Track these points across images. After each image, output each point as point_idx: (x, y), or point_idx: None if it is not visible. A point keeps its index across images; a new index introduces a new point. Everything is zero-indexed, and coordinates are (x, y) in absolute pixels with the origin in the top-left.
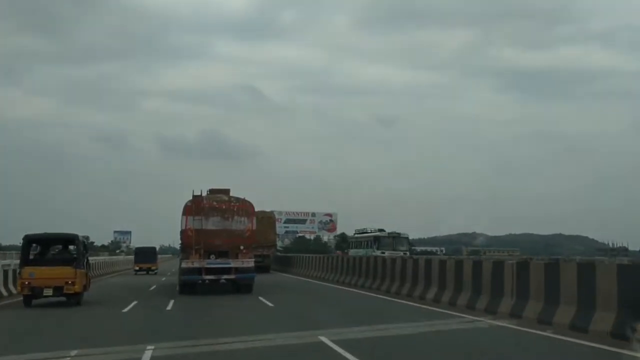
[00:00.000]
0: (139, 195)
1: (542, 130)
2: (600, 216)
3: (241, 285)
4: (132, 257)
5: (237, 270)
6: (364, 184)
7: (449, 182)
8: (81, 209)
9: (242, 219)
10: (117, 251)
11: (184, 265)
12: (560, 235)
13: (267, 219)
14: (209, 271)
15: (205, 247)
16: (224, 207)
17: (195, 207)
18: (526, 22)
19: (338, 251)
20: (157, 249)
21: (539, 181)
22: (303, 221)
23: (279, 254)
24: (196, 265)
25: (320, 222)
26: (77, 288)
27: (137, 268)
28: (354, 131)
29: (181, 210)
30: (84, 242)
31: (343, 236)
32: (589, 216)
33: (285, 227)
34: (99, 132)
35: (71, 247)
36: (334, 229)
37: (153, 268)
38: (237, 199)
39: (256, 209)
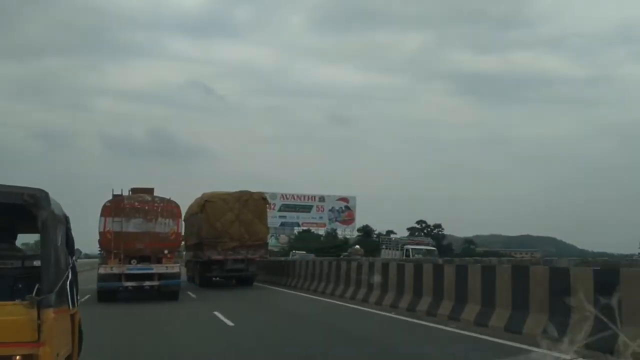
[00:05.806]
0: (79, 195)
1: (496, 133)
2: (562, 217)
3: (166, 293)
4: None
5: (160, 276)
6: (317, 185)
7: (404, 184)
8: None
9: (167, 220)
10: None
11: (101, 270)
12: (528, 236)
13: (253, 203)
14: (130, 277)
15: (125, 251)
16: (146, 207)
17: (114, 207)
18: (479, 26)
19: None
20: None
21: (497, 184)
22: (307, 208)
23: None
24: (115, 271)
25: (332, 209)
26: None
27: None
28: (306, 132)
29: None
30: (66, 218)
31: (367, 230)
32: (552, 217)
33: (280, 216)
34: (40, 130)
35: (34, 227)
36: (351, 219)
37: None
38: (162, 199)
39: (238, 189)
